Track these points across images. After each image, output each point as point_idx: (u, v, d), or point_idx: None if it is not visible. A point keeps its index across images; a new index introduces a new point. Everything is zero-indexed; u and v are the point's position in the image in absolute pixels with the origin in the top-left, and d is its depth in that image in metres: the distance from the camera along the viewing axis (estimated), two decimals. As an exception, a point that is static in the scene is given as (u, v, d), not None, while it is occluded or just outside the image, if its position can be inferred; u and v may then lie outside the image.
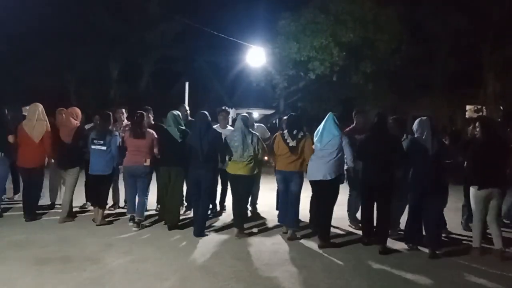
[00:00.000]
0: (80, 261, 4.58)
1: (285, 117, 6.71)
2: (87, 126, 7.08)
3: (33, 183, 6.32)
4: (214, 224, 6.21)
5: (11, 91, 15.21)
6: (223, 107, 6.93)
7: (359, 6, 13.79)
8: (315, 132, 5.61)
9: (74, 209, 6.56)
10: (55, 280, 4.10)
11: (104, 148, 6.05)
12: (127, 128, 6.57)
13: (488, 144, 5.15)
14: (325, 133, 5.42)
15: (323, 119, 5.75)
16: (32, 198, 6.33)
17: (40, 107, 6.35)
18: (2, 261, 4.54)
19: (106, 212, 6.45)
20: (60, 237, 5.41)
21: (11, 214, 6.54)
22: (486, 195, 5.11)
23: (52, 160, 6.46)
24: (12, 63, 15.79)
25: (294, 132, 5.65)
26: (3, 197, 6.69)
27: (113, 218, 6.41)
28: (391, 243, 5.46)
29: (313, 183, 5.56)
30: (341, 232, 6.03)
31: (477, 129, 5.34)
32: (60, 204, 6.49)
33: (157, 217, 6.44)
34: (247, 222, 6.12)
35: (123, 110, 7.15)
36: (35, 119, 6.22)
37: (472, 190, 5.23)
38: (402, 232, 5.76)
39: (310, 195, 6.04)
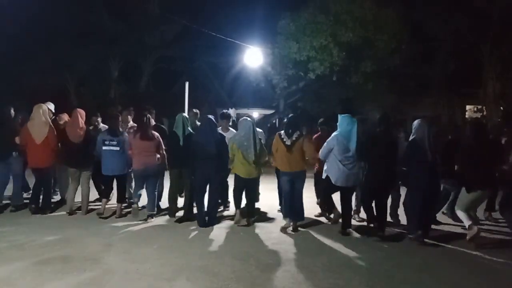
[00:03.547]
0: (80, 261, 4.58)
1: (285, 120, 6.83)
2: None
3: (44, 181, 6.55)
4: (214, 224, 6.21)
5: (11, 91, 15.21)
6: (226, 111, 6.96)
7: (358, 6, 13.80)
8: (340, 138, 5.70)
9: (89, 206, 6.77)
10: (55, 280, 4.10)
11: (117, 148, 6.20)
12: (131, 130, 6.62)
13: (478, 146, 5.22)
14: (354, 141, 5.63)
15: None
16: (45, 194, 6.59)
17: (43, 107, 6.46)
18: (2, 261, 4.54)
19: (108, 208, 6.58)
20: (60, 237, 5.41)
21: (11, 214, 6.55)
22: (475, 197, 5.22)
23: (59, 160, 6.62)
24: (12, 63, 15.77)
25: (290, 131, 5.90)
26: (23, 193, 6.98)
27: (113, 218, 6.42)
28: (395, 242, 5.52)
29: (337, 187, 5.81)
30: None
31: (467, 132, 5.49)
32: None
33: (157, 218, 6.45)
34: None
35: (130, 112, 7.16)
36: (38, 120, 6.31)
37: (462, 190, 5.35)
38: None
39: (310, 196, 6.14)
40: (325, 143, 5.85)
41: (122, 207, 6.59)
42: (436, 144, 5.63)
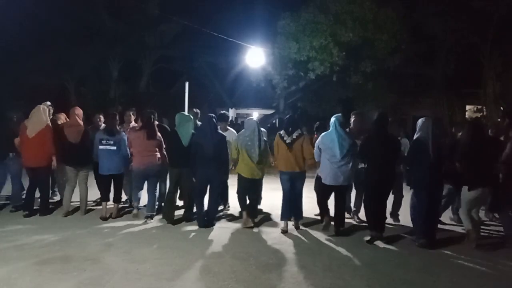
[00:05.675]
0: (80, 261, 4.58)
1: (285, 119, 6.85)
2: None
3: (39, 183, 6.46)
4: (214, 225, 6.21)
5: (11, 91, 15.22)
6: (223, 112, 6.98)
7: (358, 6, 13.79)
8: (323, 138, 5.71)
9: (89, 206, 6.81)
10: (55, 280, 4.10)
11: (114, 148, 6.21)
12: (134, 130, 6.61)
13: (477, 145, 5.23)
14: (344, 143, 5.56)
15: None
16: (42, 196, 6.51)
17: (43, 107, 6.44)
18: (2, 261, 4.55)
19: (109, 208, 6.52)
20: (60, 237, 5.41)
21: (11, 214, 6.54)
22: (476, 195, 5.23)
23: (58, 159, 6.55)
24: (13, 63, 15.77)
25: (290, 129, 5.95)
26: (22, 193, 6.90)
27: (114, 217, 6.41)
28: (395, 242, 5.51)
29: (329, 186, 5.78)
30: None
31: (465, 131, 5.51)
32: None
33: (157, 218, 6.45)
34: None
35: (132, 112, 7.19)
36: (36, 118, 6.30)
37: (463, 189, 5.35)
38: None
39: (310, 196, 6.11)
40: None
41: (120, 207, 6.61)
42: (443, 144, 5.62)
